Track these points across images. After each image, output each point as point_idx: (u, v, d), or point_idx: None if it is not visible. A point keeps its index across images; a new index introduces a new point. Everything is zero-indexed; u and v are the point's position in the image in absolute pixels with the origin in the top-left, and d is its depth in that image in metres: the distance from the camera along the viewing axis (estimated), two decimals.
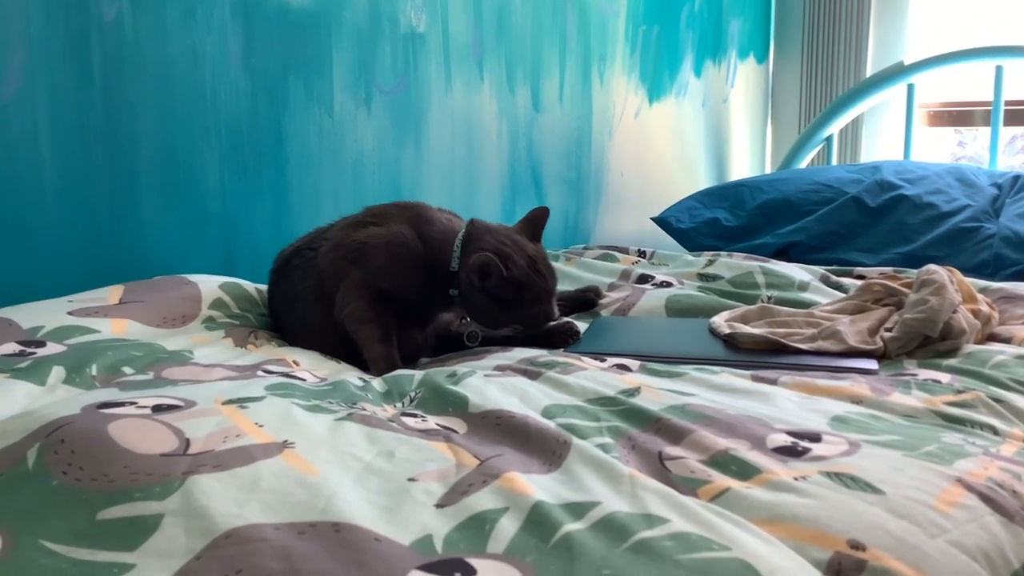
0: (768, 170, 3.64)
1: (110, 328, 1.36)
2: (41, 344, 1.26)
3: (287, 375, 1.23)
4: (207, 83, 1.80)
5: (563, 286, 1.96)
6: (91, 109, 1.63)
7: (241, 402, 1.01)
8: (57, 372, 1.17)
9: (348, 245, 1.49)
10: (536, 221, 1.55)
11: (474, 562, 0.74)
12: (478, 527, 0.79)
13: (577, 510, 0.82)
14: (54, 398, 1.10)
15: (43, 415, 0.92)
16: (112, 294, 1.46)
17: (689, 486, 0.89)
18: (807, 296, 1.78)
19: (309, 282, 1.50)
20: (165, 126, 1.74)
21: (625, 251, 2.27)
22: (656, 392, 1.17)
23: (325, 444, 0.94)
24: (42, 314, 1.35)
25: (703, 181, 3.26)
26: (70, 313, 1.37)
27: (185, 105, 1.77)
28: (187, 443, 0.89)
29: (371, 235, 1.48)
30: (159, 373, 1.21)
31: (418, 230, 1.48)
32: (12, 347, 1.24)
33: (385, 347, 1.44)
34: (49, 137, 1.58)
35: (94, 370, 1.20)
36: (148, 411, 0.96)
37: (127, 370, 1.22)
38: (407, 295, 1.47)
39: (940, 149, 3.49)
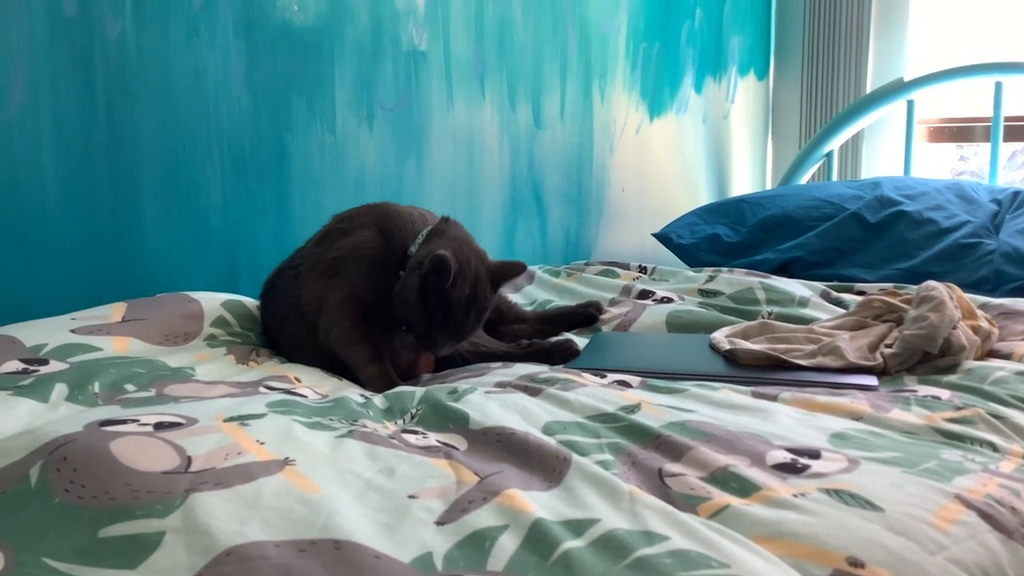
0: (769, 186, 3.64)
1: (112, 346, 1.36)
2: (44, 362, 1.26)
3: (288, 392, 1.24)
4: (210, 100, 1.81)
5: (564, 301, 1.97)
6: (94, 126, 1.64)
7: (242, 419, 1.02)
8: (60, 390, 1.17)
9: (322, 264, 1.51)
10: (506, 272, 1.51)
11: None
12: (478, 544, 0.79)
13: (577, 527, 0.82)
14: (57, 415, 1.10)
15: (46, 433, 0.92)
16: (115, 312, 1.47)
17: (689, 503, 0.90)
18: (807, 312, 1.79)
19: (292, 301, 1.52)
20: (168, 143, 1.75)
21: (626, 267, 2.28)
22: (656, 408, 1.17)
23: (326, 461, 0.94)
24: (45, 332, 1.35)
25: (704, 197, 3.27)
26: (73, 331, 1.37)
27: (188, 122, 1.78)
28: (188, 461, 0.89)
29: (339, 247, 1.50)
30: (161, 390, 1.22)
31: (380, 227, 1.50)
32: (15, 365, 1.24)
33: (378, 366, 1.44)
34: (52, 153, 1.58)
35: (97, 387, 1.20)
36: (150, 428, 0.96)
37: (129, 387, 1.23)
38: (383, 298, 1.47)
39: (940, 165, 3.49)
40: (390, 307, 1.47)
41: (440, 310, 1.41)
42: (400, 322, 1.48)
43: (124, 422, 0.97)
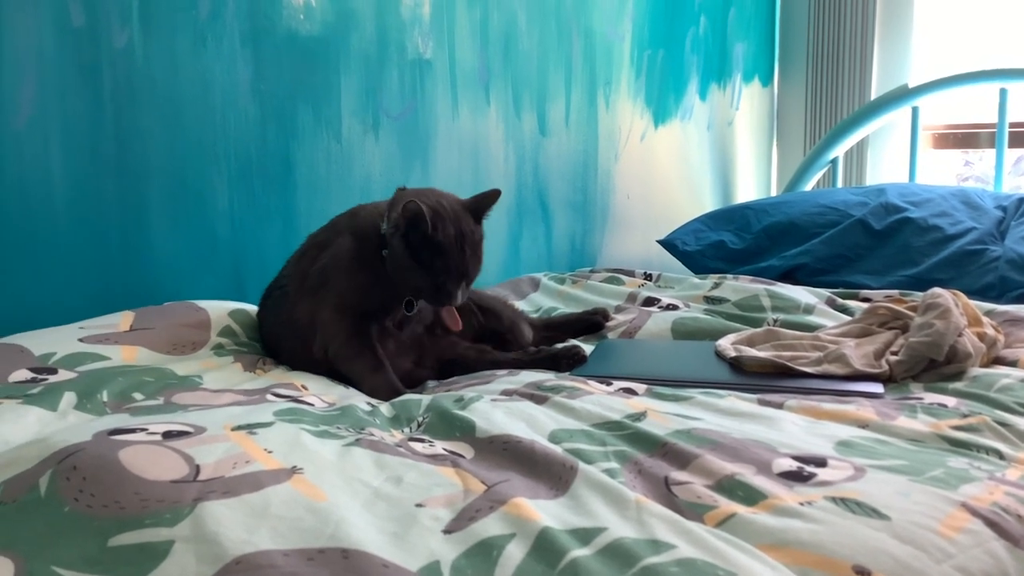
0: (773, 193, 3.65)
1: (121, 355, 1.37)
2: (53, 371, 1.27)
3: (295, 400, 1.24)
4: (217, 109, 1.82)
5: (569, 309, 1.97)
6: (102, 136, 1.64)
7: (250, 428, 1.02)
8: (68, 398, 1.18)
9: (308, 279, 1.51)
10: (483, 202, 1.51)
11: None
12: (485, 553, 0.79)
13: (584, 536, 0.82)
14: (66, 424, 1.11)
15: (55, 442, 0.93)
16: (123, 321, 1.48)
17: (695, 511, 0.90)
18: (813, 319, 1.79)
19: (284, 319, 1.53)
20: (175, 152, 1.76)
21: (631, 274, 2.28)
22: (662, 416, 1.17)
23: (333, 470, 0.94)
24: (54, 341, 1.36)
25: (709, 204, 3.28)
26: (81, 340, 1.38)
27: (195, 131, 1.78)
28: (197, 469, 0.90)
29: (319, 259, 1.50)
30: (169, 398, 1.23)
31: (352, 228, 1.51)
32: (24, 374, 1.25)
33: (380, 376, 1.44)
34: (61, 164, 1.59)
35: (105, 396, 1.21)
36: (158, 437, 0.96)
37: (137, 396, 1.23)
38: (374, 298, 1.47)
39: (945, 171, 3.49)
40: (384, 304, 1.48)
41: (437, 258, 1.40)
42: (406, 294, 1.47)
43: (133, 431, 0.98)
